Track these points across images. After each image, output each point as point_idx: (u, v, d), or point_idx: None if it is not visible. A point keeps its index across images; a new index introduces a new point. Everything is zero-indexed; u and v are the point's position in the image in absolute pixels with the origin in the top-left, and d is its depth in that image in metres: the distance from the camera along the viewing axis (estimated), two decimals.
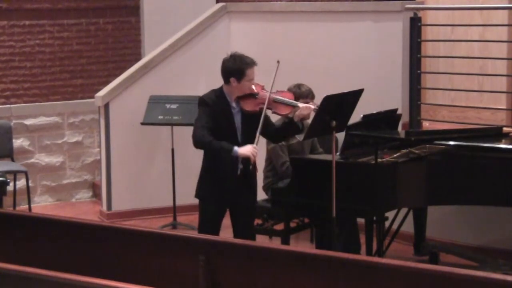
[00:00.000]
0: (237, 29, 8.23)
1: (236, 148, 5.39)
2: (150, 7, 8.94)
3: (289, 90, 6.17)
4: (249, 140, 5.48)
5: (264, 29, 8.07)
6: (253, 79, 5.52)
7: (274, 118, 5.91)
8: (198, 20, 8.23)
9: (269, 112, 5.62)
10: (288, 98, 5.62)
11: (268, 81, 5.60)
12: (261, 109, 5.49)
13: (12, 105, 8.53)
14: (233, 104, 5.55)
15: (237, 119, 5.55)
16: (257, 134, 5.42)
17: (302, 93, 6.33)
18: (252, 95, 5.54)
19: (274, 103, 5.55)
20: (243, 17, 8.20)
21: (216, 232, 5.53)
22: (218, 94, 5.57)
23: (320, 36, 7.65)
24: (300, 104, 5.56)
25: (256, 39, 8.09)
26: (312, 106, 5.57)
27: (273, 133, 5.71)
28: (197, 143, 5.50)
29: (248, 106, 5.52)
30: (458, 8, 7.02)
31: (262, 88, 5.61)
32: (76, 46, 8.85)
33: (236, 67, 5.47)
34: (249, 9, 8.25)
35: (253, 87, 5.54)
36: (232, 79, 5.48)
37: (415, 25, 6.87)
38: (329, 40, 7.59)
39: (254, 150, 5.38)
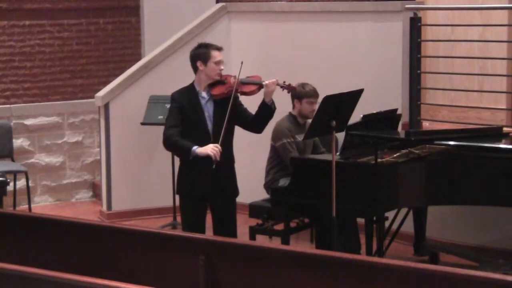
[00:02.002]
0: (237, 29, 8.23)
1: (194, 147, 5.44)
2: (150, 7, 8.95)
3: None
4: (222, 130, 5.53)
5: (264, 29, 8.07)
6: (219, 62, 5.60)
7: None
8: (198, 20, 8.24)
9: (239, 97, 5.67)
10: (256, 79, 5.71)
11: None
12: (230, 92, 5.55)
13: (12, 105, 8.53)
14: (203, 94, 5.61)
15: (208, 109, 5.60)
16: (222, 132, 5.47)
17: (306, 93, 6.35)
18: (220, 82, 5.63)
19: (241, 85, 5.63)
20: (243, 17, 8.20)
21: (201, 229, 5.54)
22: (188, 86, 5.69)
23: (320, 36, 7.65)
24: (265, 82, 5.60)
25: (256, 39, 8.10)
26: (276, 81, 5.60)
27: (251, 122, 5.71)
28: (164, 144, 5.62)
29: (217, 90, 5.61)
30: (458, 8, 7.02)
31: (232, 77, 5.67)
32: (76, 46, 8.85)
33: (201, 51, 5.61)
34: (249, 9, 8.25)
35: (221, 69, 5.60)
36: (199, 63, 5.59)
37: (415, 25, 6.87)
38: (329, 40, 7.59)
39: (215, 148, 5.41)
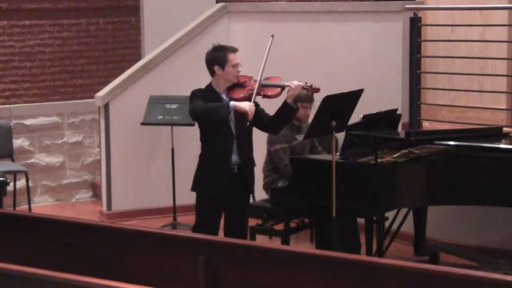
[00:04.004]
0: (237, 29, 8.23)
1: (232, 102, 5.41)
2: (150, 7, 8.95)
3: None
4: (244, 131, 5.51)
5: (264, 29, 8.06)
6: (236, 65, 5.54)
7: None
8: (198, 20, 8.24)
9: (259, 99, 5.61)
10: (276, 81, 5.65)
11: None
12: (251, 95, 5.50)
13: (12, 105, 8.53)
14: (223, 96, 5.57)
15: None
16: (254, 94, 5.44)
17: (300, 97, 6.32)
18: (239, 84, 5.57)
19: (262, 88, 5.57)
20: (243, 17, 8.20)
21: (214, 229, 5.51)
22: (207, 88, 5.61)
23: (320, 36, 7.65)
24: (290, 83, 5.54)
25: (256, 39, 8.08)
26: (302, 83, 5.56)
27: (269, 122, 5.65)
28: (194, 113, 5.51)
29: (237, 94, 5.54)
30: (458, 8, 7.03)
31: (250, 78, 5.63)
32: (76, 46, 8.86)
33: (217, 55, 5.54)
34: (249, 9, 8.25)
35: (239, 71, 5.55)
36: (216, 67, 5.52)
37: (415, 25, 6.87)
38: (329, 40, 7.59)
39: (252, 106, 5.40)
